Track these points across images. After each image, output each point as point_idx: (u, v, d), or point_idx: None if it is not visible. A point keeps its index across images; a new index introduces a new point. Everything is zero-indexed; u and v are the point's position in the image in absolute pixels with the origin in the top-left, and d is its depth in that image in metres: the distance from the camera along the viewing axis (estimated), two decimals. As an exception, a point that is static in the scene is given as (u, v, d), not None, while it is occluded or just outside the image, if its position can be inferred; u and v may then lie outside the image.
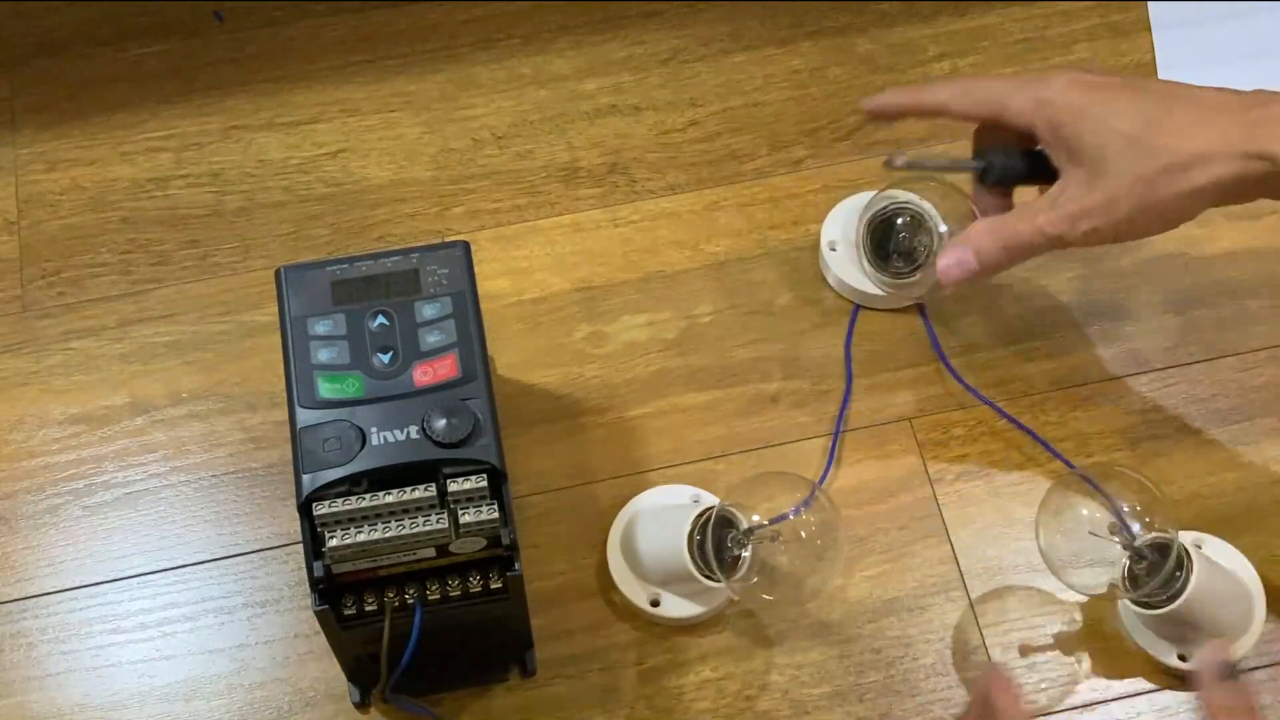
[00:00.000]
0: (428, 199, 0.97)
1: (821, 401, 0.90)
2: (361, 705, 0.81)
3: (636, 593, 0.83)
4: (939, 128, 0.98)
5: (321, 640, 0.76)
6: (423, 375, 0.73)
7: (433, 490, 0.70)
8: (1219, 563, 0.80)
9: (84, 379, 0.91)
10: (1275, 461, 0.87)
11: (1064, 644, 0.82)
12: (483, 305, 0.76)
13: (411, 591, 0.73)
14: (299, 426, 0.72)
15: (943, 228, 0.88)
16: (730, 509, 0.79)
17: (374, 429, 0.71)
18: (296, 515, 0.70)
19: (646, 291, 0.93)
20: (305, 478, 0.70)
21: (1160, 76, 1.00)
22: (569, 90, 1.01)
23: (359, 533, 0.69)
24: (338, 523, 0.70)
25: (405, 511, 0.70)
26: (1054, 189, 0.78)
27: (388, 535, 0.69)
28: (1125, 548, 0.77)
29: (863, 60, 1.02)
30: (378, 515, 0.70)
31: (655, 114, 1.00)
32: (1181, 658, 0.80)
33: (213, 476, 0.88)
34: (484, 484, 0.70)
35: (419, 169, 0.98)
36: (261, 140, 0.99)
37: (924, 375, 0.90)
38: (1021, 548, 0.85)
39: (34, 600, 0.84)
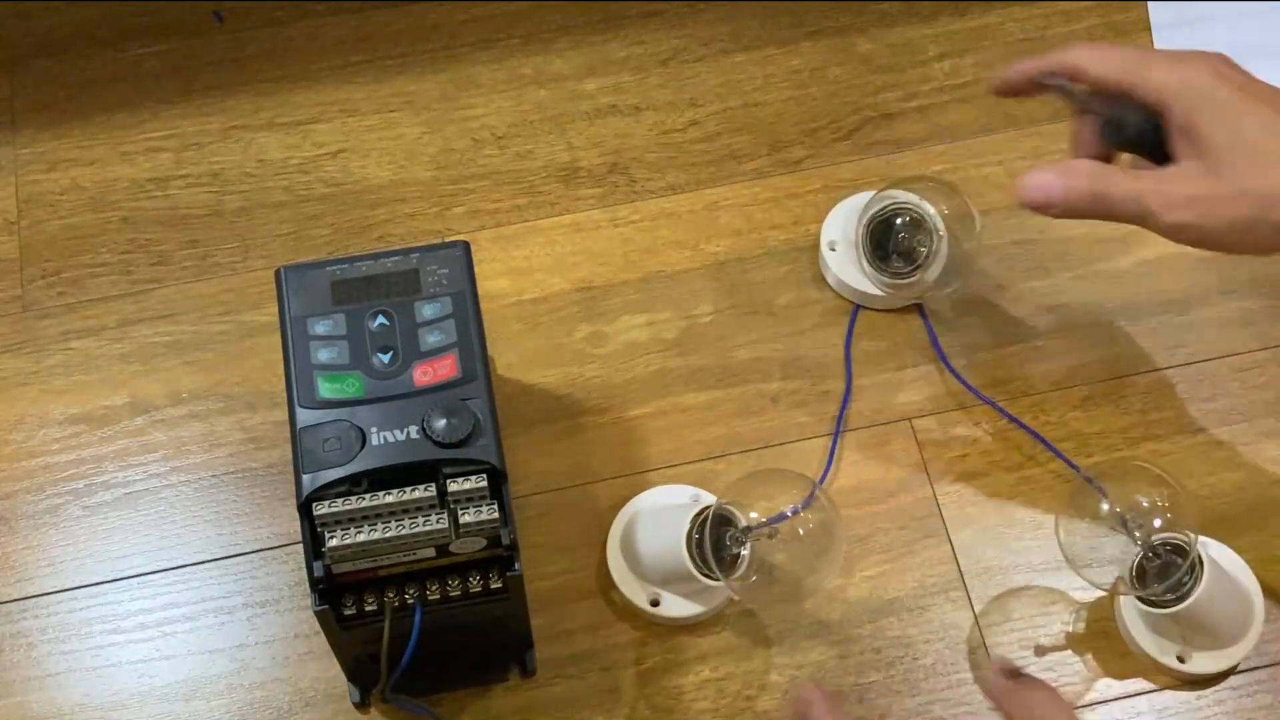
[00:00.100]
0: (428, 199, 0.97)
1: (821, 401, 0.90)
2: (361, 705, 0.81)
3: (636, 592, 0.83)
4: (938, 129, 0.99)
5: (321, 640, 0.76)
6: (423, 375, 0.73)
7: (433, 490, 0.70)
8: (1219, 564, 0.80)
9: (84, 379, 0.91)
10: (1275, 462, 0.87)
11: (1064, 644, 0.82)
12: (483, 305, 0.76)
13: (411, 591, 0.73)
14: (299, 426, 0.72)
15: (942, 228, 0.88)
16: (728, 507, 0.79)
17: (374, 429, 0.71)
18: (296, 515, 0.70)
19: (646, 291, 0.93)
20: (305, 478, 0.70)
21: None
22: (569, 90, 1.01)
23: (359, 533, 0.69)
24: (338, 523, 0.70)
25: (405, 511, 0.70)
26: (1165, 170, 0.75)
27: (388, 535, 0.69)
28: (1141, 545, 0.77)
29: (863, 60, 1.02)
30: (378, 515, 0.70)
31: (655, 114, 1.00)
32: (1180, 659, 0.80)
33: (213, 476, 0.88)
34: (484, 484, 0.70)
35: (419, 169, 0.98)
36: (261, 140, 0.99)
37: (924, 375, 0.90)
38: (1021, 548, 0.85)
39: (34, 600, 0.84)
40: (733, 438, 0.89)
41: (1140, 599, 0.79)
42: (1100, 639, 0.82)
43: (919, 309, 0.92)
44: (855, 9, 1.04)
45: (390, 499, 0.69)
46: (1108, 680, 0.81)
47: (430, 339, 0.74)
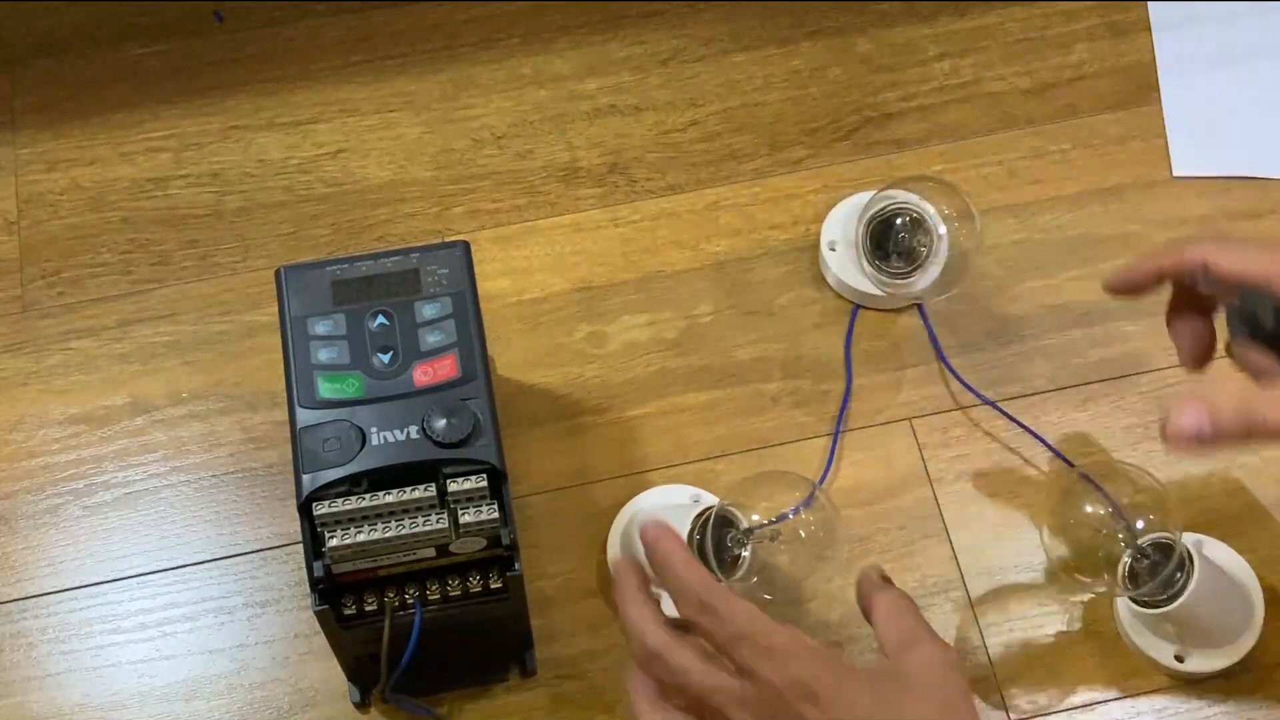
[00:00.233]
0: (428, 199, 0.97)
1: (821, 401, 0.90)
2: (361, 705, 0.81)
3: (636, 593, 0.83)
4: (938, 129, 0.99)
5: (321, 640, 0.76)
6: (423, 375, 0.73)
7: (433, 490, 0.70)
8: (1218, 563, 0.80)
9: (84, 379, 0.91)
10: (1275, 462, 0.87)
11: (1063, 644, 0.82)
12: (483, 305, 0.76)
13: (411, 591, 0.73)
14: (299, 426, 0.72)
15: (942, 228, 0.88)
16: (730, 508, 0.79)
17: (374, 429, 0.71)
18: (296, 515, 0.70)
19: (646, 291, 0.93)
20: (305, 478, 0.70)
21: (1160, 76, 1.00)
22: (569, 90, 1.01)
23: (359, 533, 0.69)
24: (338, 523, 0.70)
25: (405, 511, 0.70)
26: None
27: (388, 535, 0.69)
28: (1128, 546, 0.77)
29: (863, 60, 1.02)
30: (378, 515, 0.70)
31: (655, 114, 1.00)
32: (1178, 658, 0.80)
33: (213, 476, 0.88)
34: (484, 484, 0.70)
35: (419, 169, 0.98)
36: (261, 140, 0.99)
37: (924, 375, 0.90)
38: (1021, 548, 0.85)
39: (34, 600, 0.84)
40: (733, 438, 0.89)
41: (1133, 599, 0.79)
42: (1099, 639, 0.82)
43: (919, 309, 0.92)
44: (855, 9, 1.04)
45: (390, 499, 0.69)
46: (1107, 680, 0.81)
47: (430, 339, 0.74)
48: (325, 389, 0.73)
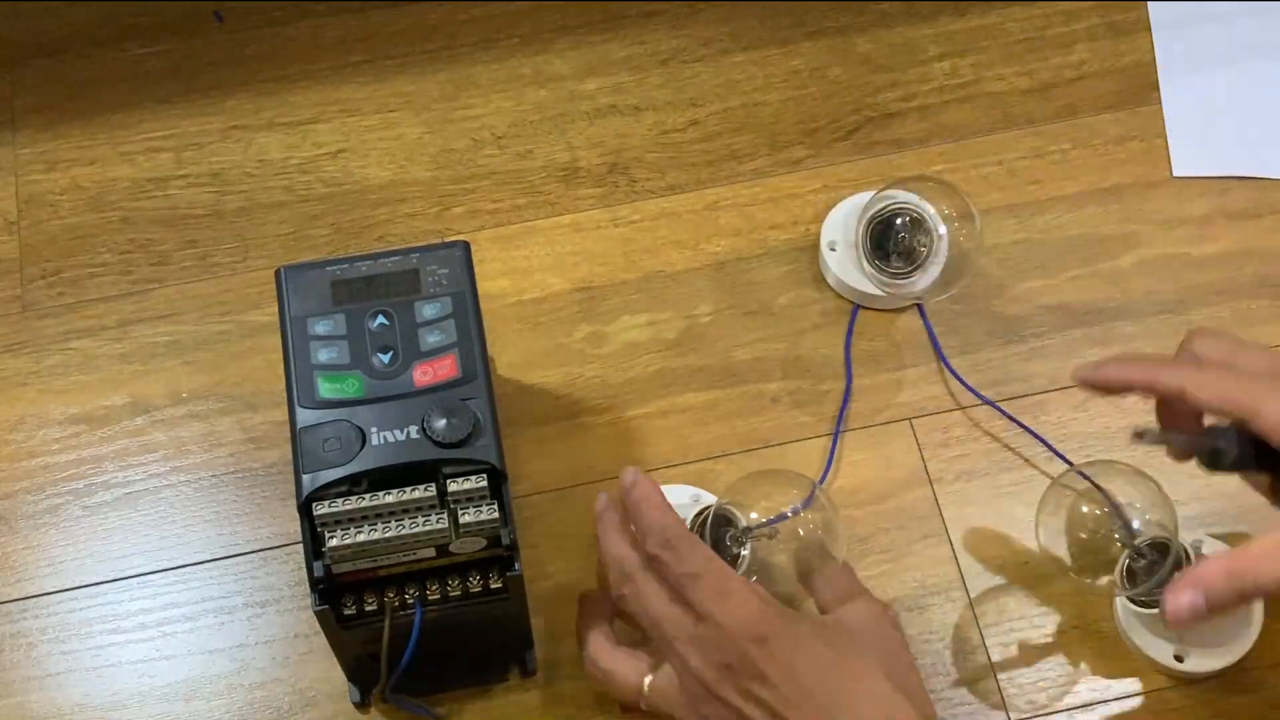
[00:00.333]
0: (428, 199, 0.97)
1: (821, 401, 0.90)
2: (361, 705, 0.81)
3: (636, 593, 0.83)
4: (938, 129, 0.99)
5: (321, 640, 0.76)
6: (423, 375, 0.73)
7: (433, 490, 0.70)
8: (1217, 563, 0.80)
9: (84, 379, 0.91)
10: (1275, 461, 0.87)
11: (1062, 644, 0.82)
12: (483, 305, 0.76)
13: (411, 591, 0.73)
14: (299, 426, 0.72)
15: (942, 228, 0.88)
16: (728, 507, 0.79)
17: (374, 429, 0.71)
18: (296, 515, 0.70)
19: (646, 291, 0.93)
20: (305, 478, 0.70)
21: (1160, 76, 1.00)
22: (569, 90, 1.01)
23: (359, 533, 0.69)
24: (338, 523, 0.70)
25: (405, 511, 0.70)
26: None
27: (388, 535, 0.69)
28: (1124, 545, 0.77)
29: (863, 60, 1.02)
30: (378, 515, 0.70)
31: (655, 114, 1.00)
32: (1178, 658, 0.80)
33: (213, 476, 0.88)
34: (484, 484, 0.70)
35: (419, 169, 0.98)
36: (261, 140, 0.99)
37: (924, 375, 0.90)
38: (1021, 548, 0.85)
39: (34, 600, 0.84)
40: (733, 438, 0.89)
41: (1131, 599, 0.79)
42: (1099, 638, 0.82)
43: (919, 309, 0.92)
44: (855, 9, 1.04)
45: (390, 499, 0.69)
46: (1106, 680, 0.81)
47: (430, 339, 0.74)
48: (325, 389, 0.73)
